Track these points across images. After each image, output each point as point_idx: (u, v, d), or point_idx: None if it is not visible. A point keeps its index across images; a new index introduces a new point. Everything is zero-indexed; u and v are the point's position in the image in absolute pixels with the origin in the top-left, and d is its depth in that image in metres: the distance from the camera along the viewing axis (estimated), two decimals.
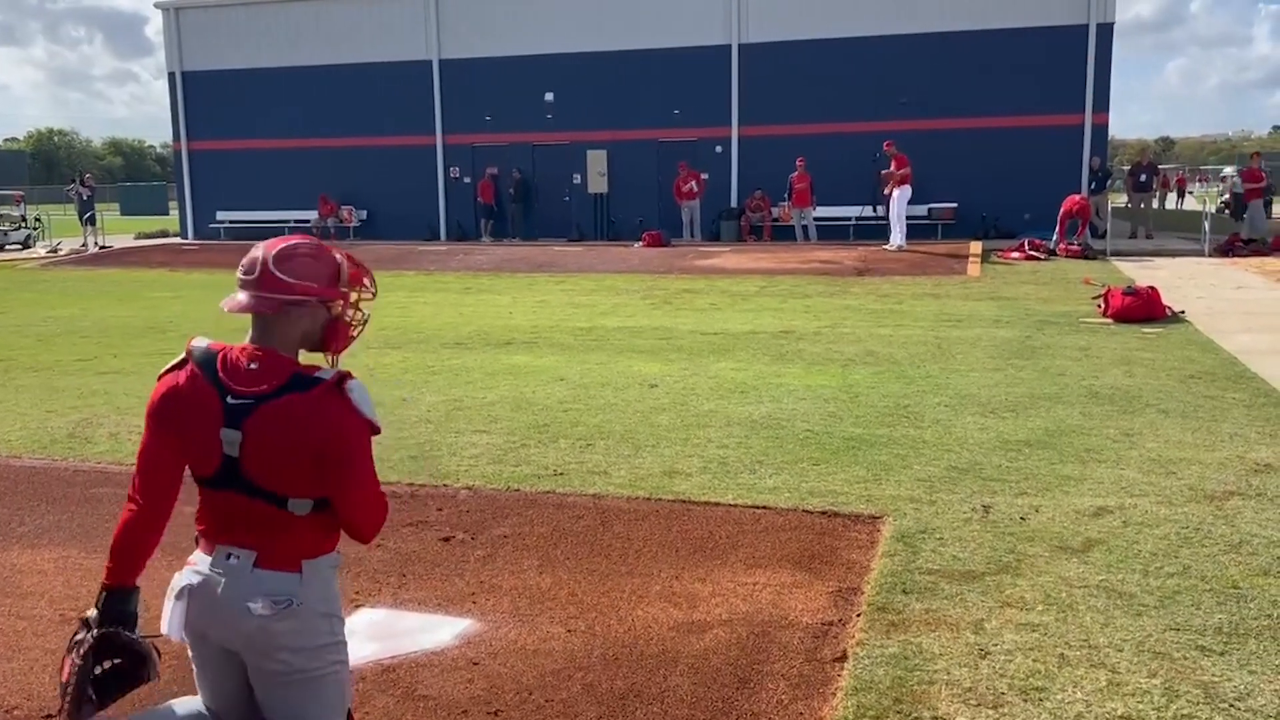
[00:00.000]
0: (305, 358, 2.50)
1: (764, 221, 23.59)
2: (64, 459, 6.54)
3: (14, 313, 14.10)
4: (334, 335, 2.51)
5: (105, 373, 9.39)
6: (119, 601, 2.40)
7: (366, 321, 2.60)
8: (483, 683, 3.59)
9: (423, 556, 4.77)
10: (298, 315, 2.41)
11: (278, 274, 2.37)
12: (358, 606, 4.24)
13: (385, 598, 4.34)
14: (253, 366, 2.37)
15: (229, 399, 2.35)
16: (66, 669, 2.37)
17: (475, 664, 3.74)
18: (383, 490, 2.47)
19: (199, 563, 2.42)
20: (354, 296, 2.52)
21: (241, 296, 2.41)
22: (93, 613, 2.40)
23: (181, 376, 2.41)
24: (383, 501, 2.47)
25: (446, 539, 4.99)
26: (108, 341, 11.26)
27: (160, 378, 2.46)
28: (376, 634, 4.01)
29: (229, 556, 2.37)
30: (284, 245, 2.42)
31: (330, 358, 2.54)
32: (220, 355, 2.40)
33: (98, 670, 2.37)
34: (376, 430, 2.44)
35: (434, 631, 4.01)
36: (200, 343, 2.46)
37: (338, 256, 2.47)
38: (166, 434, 2.40)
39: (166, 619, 2.41)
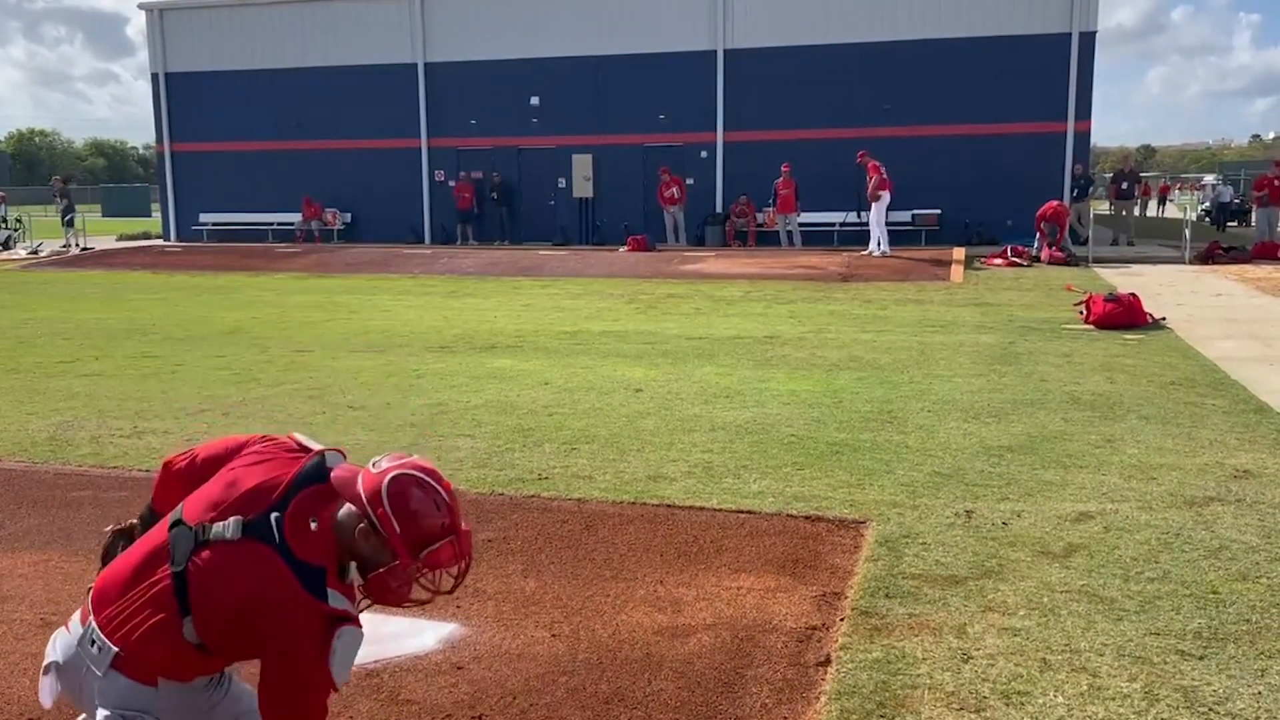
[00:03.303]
0: None
1: (749, 227, 23.65)
2: (44, 462, 6.49)
3: None
4: (378, 585, 2.25)
5: (86, 375, 9.33)
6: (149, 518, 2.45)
7: (421, 602, 2.29)
8: (467, 687, 3.59)
9: None
10: (365, 534, 2.19)
11: (385, 494, 2.17)
12: None
13: None
14: (312, 525, 2.20)
15: (274, 514, 2.19)
16: None
17: (459, 668, 3.73)
18: None
19: (72, 631, 2.27)
20: (413, 571, 2.23)
21: (350, 475, 2.22)
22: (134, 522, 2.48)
23: (293, 455, 2.32)
24: None
25: None
26: (89, 344, 11.19)
27: (293, 435, 2.41)
28: None
29: (93, 643, 2.20)
30: (419, 475, 2.21)
31: (361, 595, 2.30)
32: (313, 489, 2.24)
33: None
34: (333, 687, 2.18)
35: (418, 636, 4.00)
36: (334, 460, 2.30)
37: (445, 524, 2.21)
38: (232, 458, 2.34)
39: (40, 690, 2.31)
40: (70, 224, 26.66)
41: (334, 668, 2.15)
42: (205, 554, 2.17)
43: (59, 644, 2.28)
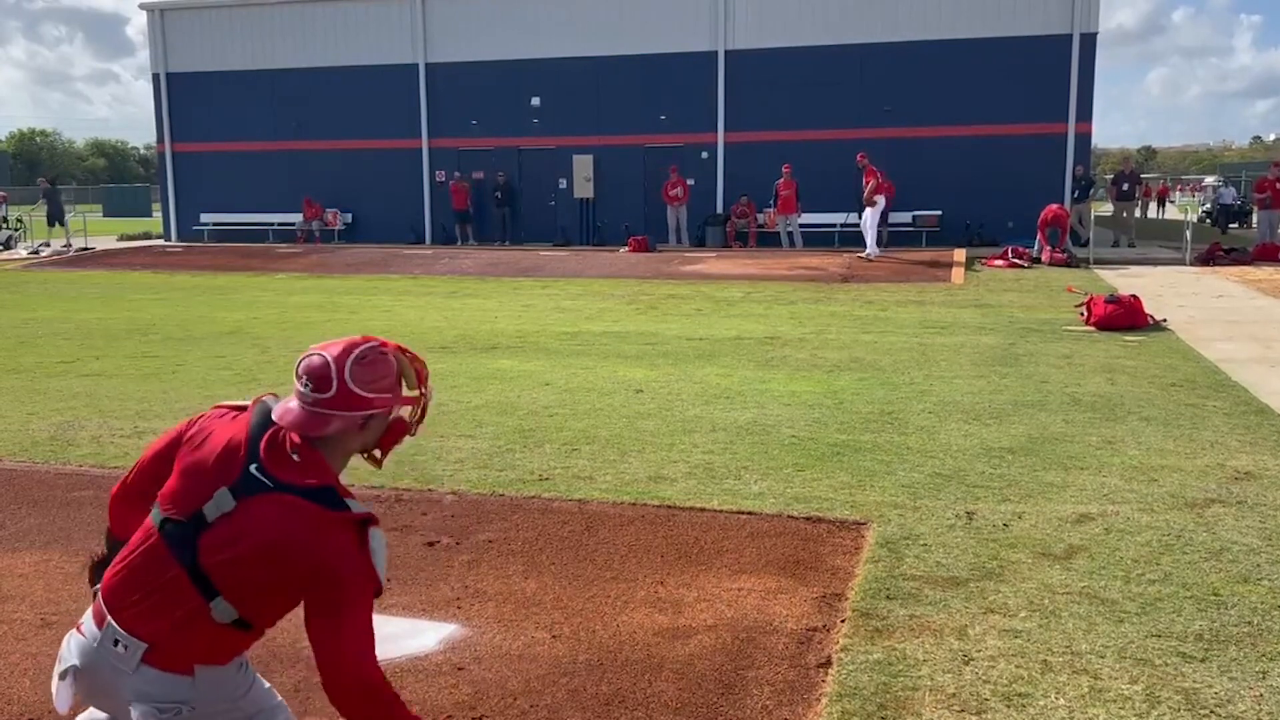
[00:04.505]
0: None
1: (749, 227, 23.65)
2: (45, 462, 6.49)
3: None
4: (394, 435, 2.32)
5: (87, 375, 9.33)
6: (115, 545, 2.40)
7: (423, 419, 2.37)
8: (467, 688, 3.59)
9: (407, 561, 4.75)
10: (371, 426, 2.25)
11: (357, 390, 2.19)
12: None
13: None
14: (295, 457, 2.18)
15: (252, 466, 2.16)
16: None
17: (460, 669, 3.73)
18: (365, 649, 2.17)
19: (87, 634, 2.21)
20: (426, 397, 2.32)
21: (304, 411, 2.21)
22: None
23: (230, 417, 2.29)
24: (357, 660, 2.15)
25: (431, 544, 4.98)
26: (90, 343, 11.19)
27: (216, 405, 2.37)
28: None
29: (116, 643, 2.14)
30: (355, 353, 2.22)
31: (380, 454, 2.36)
32: (272, 432, 2.22)
33: None
34: (379, 589, 2.19)
35: (418, 637, 4.00)
36: (270, 402, 2.29)
37: (399, 360, 2.29)
38: (174, 452, 2.28)
39: (55, 695, 2.25)
40: (64, 224, 26.78)
41: (378, 567, 2.19)
42: (210, 536, 2.14)
43: (75, 647, 2.22)
